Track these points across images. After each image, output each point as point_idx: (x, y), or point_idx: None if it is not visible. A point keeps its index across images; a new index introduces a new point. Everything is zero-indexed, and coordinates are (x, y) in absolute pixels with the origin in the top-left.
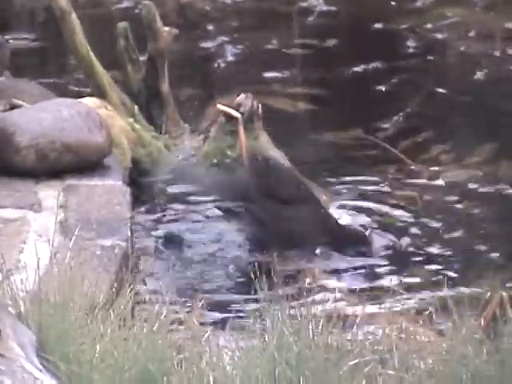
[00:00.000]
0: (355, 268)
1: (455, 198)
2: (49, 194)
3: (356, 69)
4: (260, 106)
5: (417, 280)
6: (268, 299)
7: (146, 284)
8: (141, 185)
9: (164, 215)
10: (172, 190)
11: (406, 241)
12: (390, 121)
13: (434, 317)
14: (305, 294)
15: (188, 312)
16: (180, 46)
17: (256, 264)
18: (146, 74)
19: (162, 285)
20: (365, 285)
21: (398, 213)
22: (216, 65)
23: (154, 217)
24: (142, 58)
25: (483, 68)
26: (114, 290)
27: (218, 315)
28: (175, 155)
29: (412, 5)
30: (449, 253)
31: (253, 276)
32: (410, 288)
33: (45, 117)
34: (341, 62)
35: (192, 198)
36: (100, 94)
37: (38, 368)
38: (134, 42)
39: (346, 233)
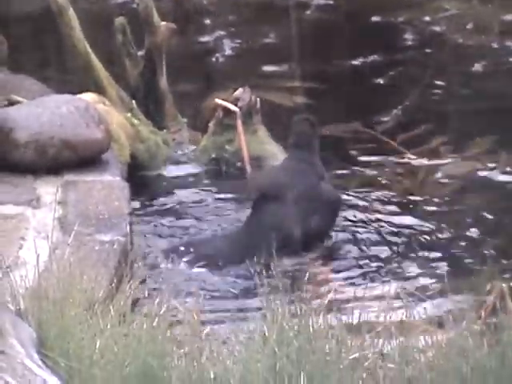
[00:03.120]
0: (353, 265)
1: (455, 189)
2: (47, 190)
3: (354, 62)
4: (258, 100)
5: (416, 271)
6: (268, 294)
7: (145, 279)
8: (139, 179)
9: (163, 210)
10: (170, 184)
11: (405, 231)
12: (388, 114)
13: (434, 309)
14: (305, 288)
15: (188, 307)
16: (177, 41)
17: (256, 259)
18: (144, 68)
19: (162, 280)
20: (363, 279)
21: (397, 205)
22: (214, 59)
23: (153, 211)
24: (140, 53)
25: (481, 60)
26: (113, 285)
27: (218, 310)
28: (173, 150)
29: None
30: (448, 245)
31: (252, 271)
32: (409, 280)
33: (43, 113)
34: (339, 56)
35: (191, 192)
36: (98, 89)
37: (38, 364)
38: (131, 36)
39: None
